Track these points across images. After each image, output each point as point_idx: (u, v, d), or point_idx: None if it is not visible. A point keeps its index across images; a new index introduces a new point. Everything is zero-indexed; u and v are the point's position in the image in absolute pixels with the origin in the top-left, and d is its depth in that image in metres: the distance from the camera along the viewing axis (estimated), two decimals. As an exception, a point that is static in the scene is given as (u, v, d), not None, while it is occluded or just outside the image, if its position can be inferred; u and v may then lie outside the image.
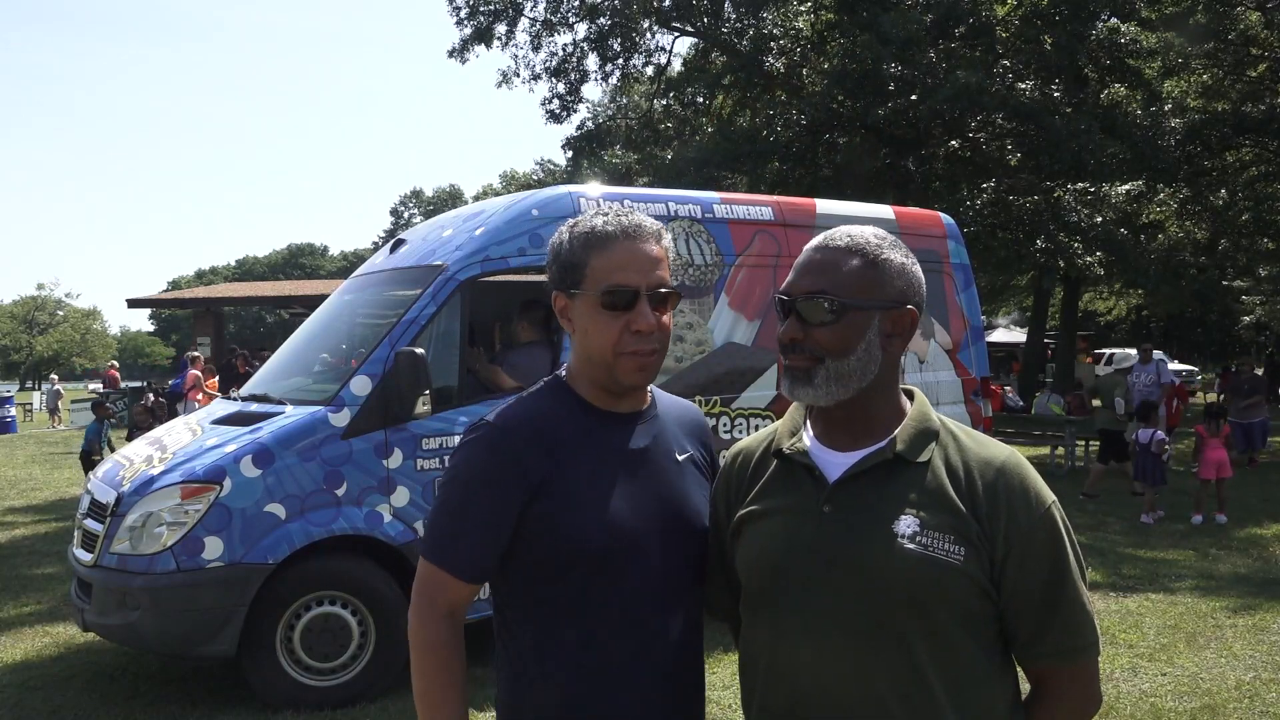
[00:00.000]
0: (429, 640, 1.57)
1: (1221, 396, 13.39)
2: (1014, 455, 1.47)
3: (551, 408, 1.64)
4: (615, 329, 1.57)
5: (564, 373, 1.70)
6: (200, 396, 13.27)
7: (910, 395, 1.56)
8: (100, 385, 28.04)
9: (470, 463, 1.60)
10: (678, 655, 1.63)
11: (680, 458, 1.69)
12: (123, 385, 23.53)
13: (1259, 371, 28.00)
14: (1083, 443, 13.63)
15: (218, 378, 14.42)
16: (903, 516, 1.41)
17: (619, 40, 22.23)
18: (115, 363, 28.29)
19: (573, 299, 1.62)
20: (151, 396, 20.37)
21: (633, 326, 1.57)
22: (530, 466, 1.56)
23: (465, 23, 21.80)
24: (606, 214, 1.63)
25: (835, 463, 1.48)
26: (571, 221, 1.65)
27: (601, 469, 1.60)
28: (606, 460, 1.61)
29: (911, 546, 1.38)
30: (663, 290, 1.61)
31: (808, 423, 1.57)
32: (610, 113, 28.19)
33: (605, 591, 1.57)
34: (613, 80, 23.51)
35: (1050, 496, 1.44)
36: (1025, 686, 1.51)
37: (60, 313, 66.55)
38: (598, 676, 1.56)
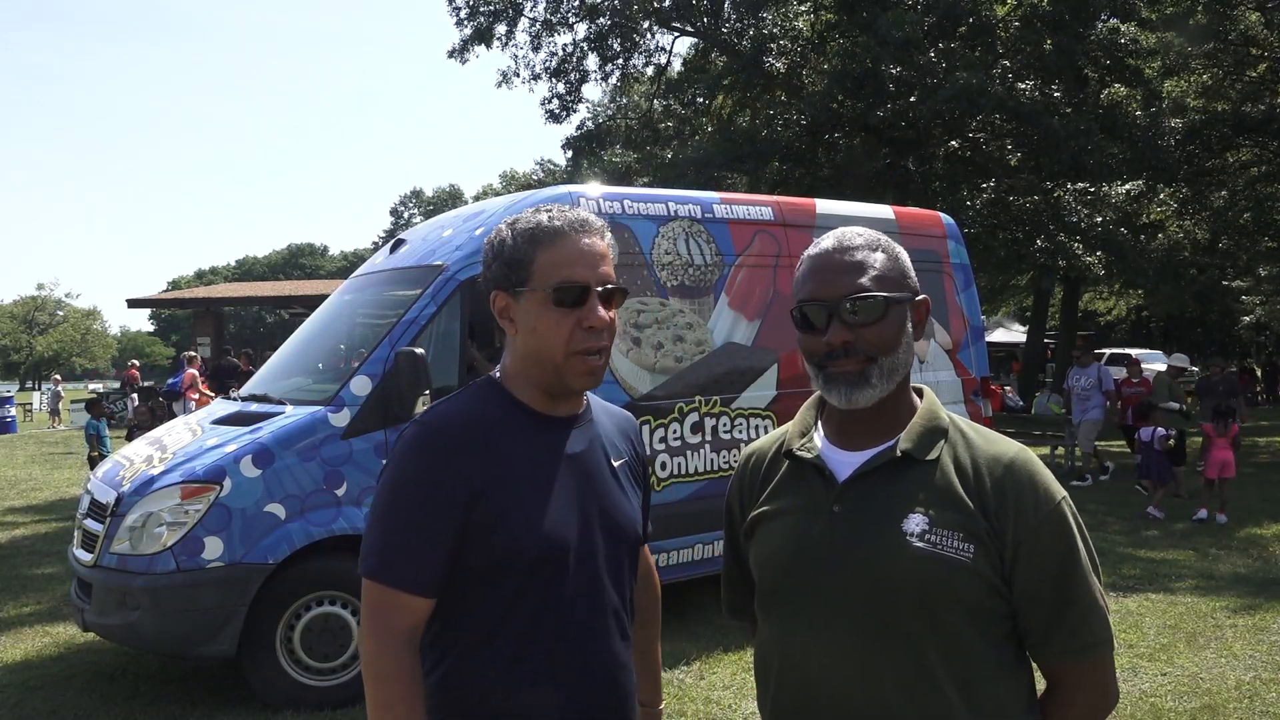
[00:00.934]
0: (388, 670, 1.46)
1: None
2: (1023, 452, 1.47)
3: (486, 409, 1.58)
4: (566, 326, 1.53)
5: (498, 374, 1.65)
6: (197, 396, 13.32)
7: (920, 393, 1.56)
8: (117, 384, 27.91)
9: (404, 468, 1.52)
10: (614, 660, 1.61)
11: (616, 463, 1.67)
12: (139, 384, 23.42)
13: (1256, 372, 27.97)
14: (1083, 443, 13.61)
15: (208, 379, 14.39)
16: (911, 515, 1.40)
17: (619, 40, 22.25)
18: (135, 362, 28.08)
19: (517, 297, 1.56)
20: (136, 397, 20.46)
21: (584, 323, 1.54)
22: (467, 468, 1.50)
23: (465, 23, 21.83)
24: (550, 210, 1.60)
25: (845, 462, 1.48)
26: (511, 219, 1.60)
27: (538, 473, 1.55)
28: (543, 464, 1.56)
29: (920, 545, 1.38)
30: (610, 286, 1.58)
31: (819, 423, 1.57)
32: (610, 113, 28.19)
33: (540, 597, 1.53)
34: (613, 80, 23.54)
35: (1060, 492, 1.44)
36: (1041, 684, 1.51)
37: (60, 313, 66.55)
38: (533, 682, 1.52)
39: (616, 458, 1.68)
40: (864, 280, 1.44)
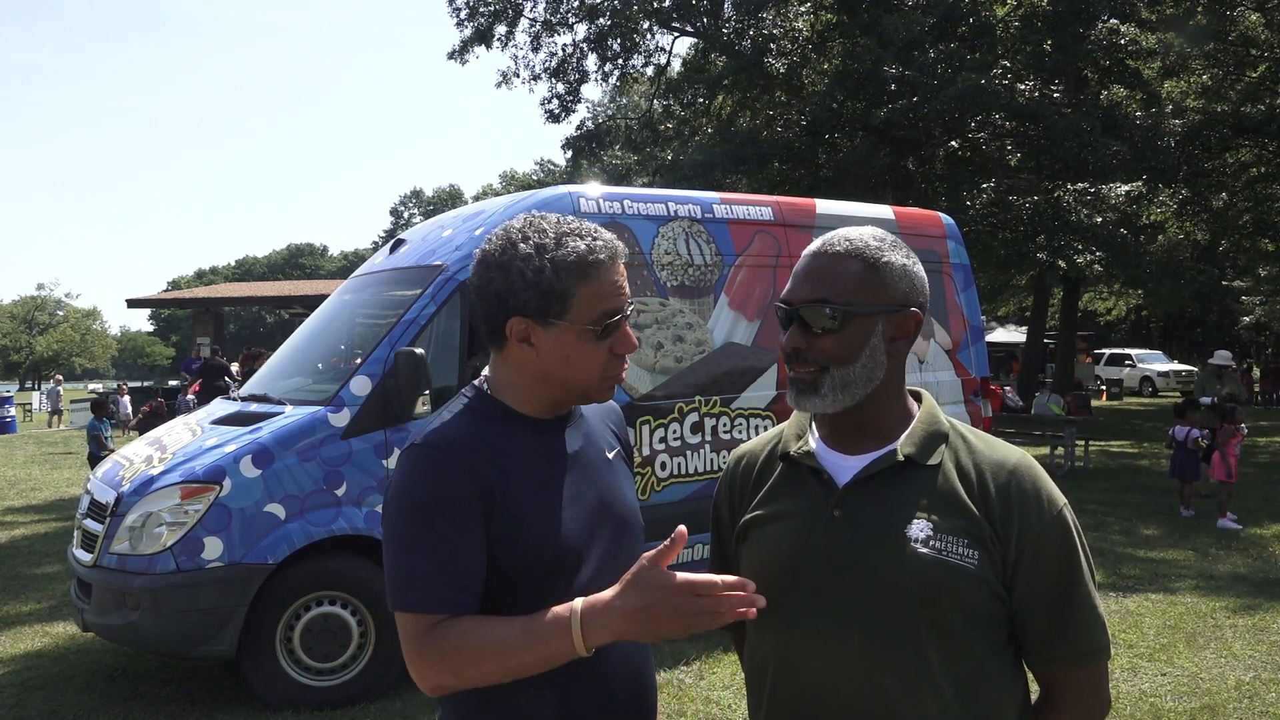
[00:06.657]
0: (448, 655, 1.39)
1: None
2: (1025, 458, 1.45)
3: (482, 422, 1.54)
4: (602, 356, 1.52)
5: (485, 386, 1.60)
6: None
7: (918, 397, 1.54)
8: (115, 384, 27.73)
9: (415, 491, 1.45)
10: (632, 652, 1.59)
11: (610, 455, 1.66)
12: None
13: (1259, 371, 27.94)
14: (1082, 443, 13.62)
15: (200, 381, 14.35)
16: (915, 520, 1.39)
17: (618, 41, 22.26)
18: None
19: (549, 328, 1.50)
20: (127, 399, 20.45)
21: (617, 350, 1.53)
22: (478, 482, 1.46)
23: (465, 24, 21.86)
24: (581, 235, 1.51)
25: (844, 466, 1.46)
26: (538, 244, 1.50)
27: (543, 476, 1.54)
28: (547, 467, 1.55)
29: (925, 550, 1.37)
30: (631, 306, 1.59)
31: (813, 425, 1.54)
32: (610, 113, 28.21)
33: (559, 599, 1.48)
34: (612, 80, 23.54)
35: (1062, 499, 1.43)
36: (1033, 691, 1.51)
37: (60, 313, 66.57)
38: (556, 685, 1.49)
39: (610, 449, 1.67)
40: (824, 290, 1.42)
